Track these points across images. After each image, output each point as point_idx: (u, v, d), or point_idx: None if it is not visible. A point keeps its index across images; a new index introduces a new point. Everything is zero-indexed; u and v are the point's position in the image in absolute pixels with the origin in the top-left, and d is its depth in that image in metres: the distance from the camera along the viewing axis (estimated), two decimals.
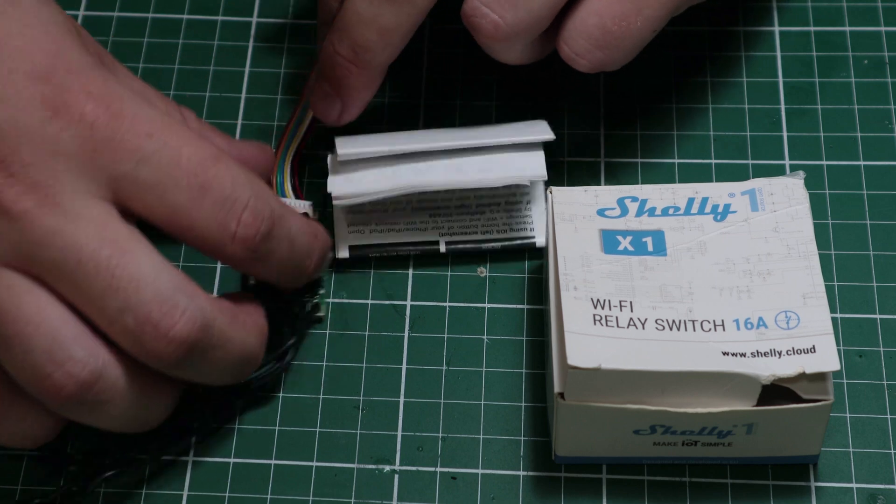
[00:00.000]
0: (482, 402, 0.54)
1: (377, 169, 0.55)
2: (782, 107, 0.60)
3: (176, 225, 0.48)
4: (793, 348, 0.48)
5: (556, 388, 0.49)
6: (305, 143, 0.57)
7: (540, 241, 0.56)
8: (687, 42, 0.61)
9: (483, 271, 0.56)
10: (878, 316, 0.55)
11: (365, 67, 0.53)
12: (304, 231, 0.51)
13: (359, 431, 0.53)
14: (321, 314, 0.55)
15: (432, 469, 0.52)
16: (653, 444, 0.50)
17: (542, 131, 0.55)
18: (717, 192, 0.52)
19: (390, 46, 0.53)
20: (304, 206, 0.55)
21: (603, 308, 0.49)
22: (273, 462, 0.53)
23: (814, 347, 0.48)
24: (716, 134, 0.59)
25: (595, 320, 0.49)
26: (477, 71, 0.61)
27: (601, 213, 0.52)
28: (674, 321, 0.49)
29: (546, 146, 0.56)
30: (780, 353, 0.48)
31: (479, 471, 0.52)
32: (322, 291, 0.55)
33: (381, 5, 0.52)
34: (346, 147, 0.54)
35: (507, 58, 0.53)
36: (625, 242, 0.51)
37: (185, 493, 0.52)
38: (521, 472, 0.52)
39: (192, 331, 0.46)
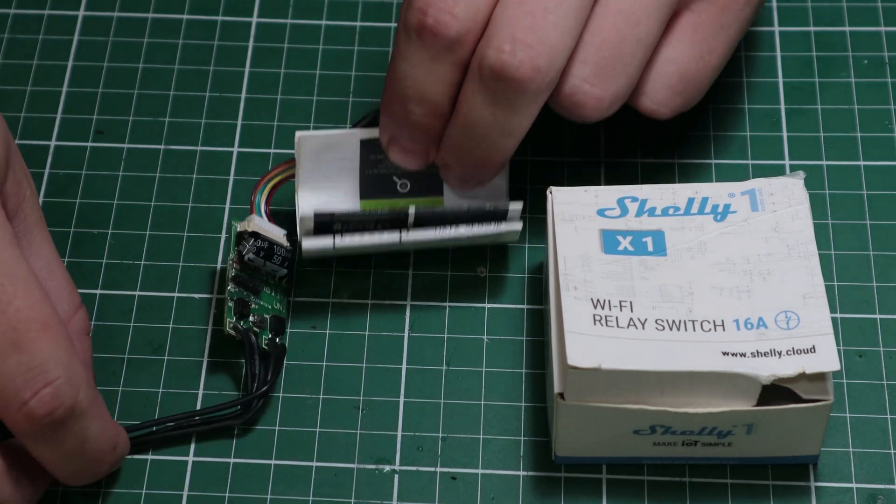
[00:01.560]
0: (482, 402, 0.54)
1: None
2: (782, 107, 0.60)
3: None
4: (793, 348, 0.48)
5: (556, 388, 0.49)
6: (288, 179, 0.56)
7: (511, 207, 0.54)
8: None
9: (483, 271, 0.56)
10: (878, 316, 0.55)
11: (499, 164, 0.53)
12: (103, 438, 0.49)
13: (359, 431, 0.53)
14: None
15: (432, 469, 0.52)
16: (653, 444, 0.50)
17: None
18: (717, 192, 0.52)
19: (516, 141, 0.52)
20: (279, 232, 0.55)
21: (603, 308, 0.49)
22: (273, 462, 0.53)
23: (814, 347, 0.48)
24: (716, 134, 0.59)
25: (595, 320, 0.49)
26: None
27: (601, 213, 0.52)
28: (674, 321, 0.49)
29: (546, 145, 0.56)
30: (780, 353, 0.48)
31: (479, 471, 0.52)
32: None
33: (504, 114, 0.51)
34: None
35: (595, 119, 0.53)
36: (625, 242, 0.51)
37: (185, 493, 0.52)
38: (521, 472, 0.52)
39: None
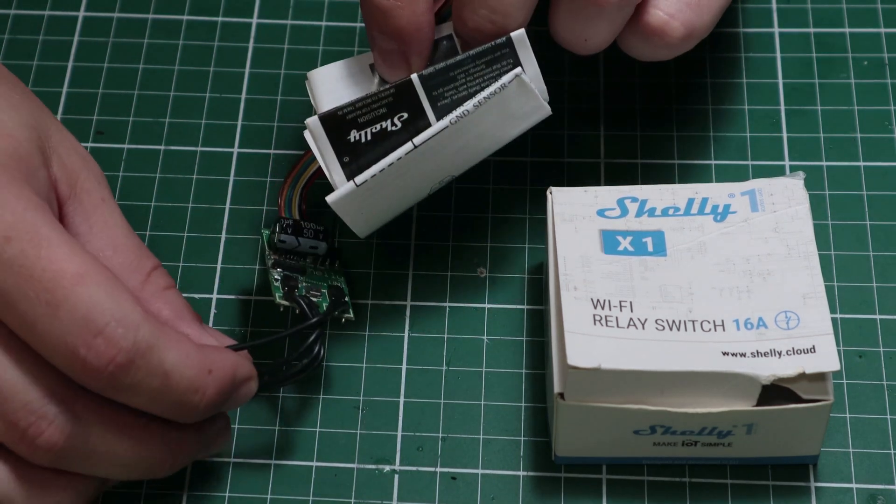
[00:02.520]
0: (482, 402, 0.54)
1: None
2: (782, 108, 0.60)
3: (27, 339, 0.45)
4: (793, 348, 0.48)
5: (556, 388, 0.49)
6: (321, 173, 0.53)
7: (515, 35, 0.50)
8: None
9: (483, 271, 0.56)
10: (877, 316, 0.55)
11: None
12: (188, 365, 0.47)
13: (359, 431, 0.53)
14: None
15: (432, 469, 0.52)
16: (653, 444, 0.50)
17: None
18: (716, 192, 0.52)
19: (528, 5, 0.50)
20: (311, 227, 0.54)
21: (603, 308, 0.49)
22: (273, 462, 0.53)
23: (814, 347, 0.48)
24: (716, 135, 0.59)
25: (595, 320, 0.49)
26: None
27: (601, 213, 0.52)
28: (674, 321, 0.49)
29: (546, 146, 0.56)
30: (779, 354, 0.48)
31: (479, 471, 0.52)
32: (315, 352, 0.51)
33: None
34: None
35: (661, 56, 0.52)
36: (625, 243, 0.51)
37: (185, 492, 0.52)
38: (521, 472, 0.52)
39: (58, 440, 0.46)
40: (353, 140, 0.50)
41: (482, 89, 0.50)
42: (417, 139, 0.50)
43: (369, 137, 0.50)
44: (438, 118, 0.50)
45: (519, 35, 0.50)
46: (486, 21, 0.50)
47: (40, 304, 0.45)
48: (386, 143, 0.50)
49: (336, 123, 0.50)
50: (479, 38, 0.51)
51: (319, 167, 0.52)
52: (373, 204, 0.52)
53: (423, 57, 0.51)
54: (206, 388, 0.48)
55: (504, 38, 0.50)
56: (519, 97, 0.50)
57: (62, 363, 0.45)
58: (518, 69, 0.50)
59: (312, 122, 0.50)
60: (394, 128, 0.50)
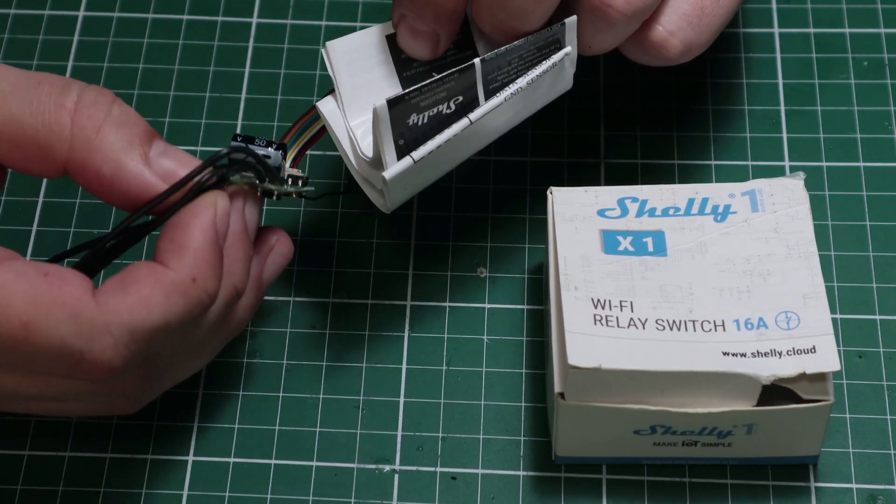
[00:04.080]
0: (482, 402, 0.54)
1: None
2: (782, 108, 0.60)
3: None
4: (793, 348, 0.48)
5: (557, 388, 0.49)
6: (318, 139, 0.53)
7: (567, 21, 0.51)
8: None
9: (483, 271, 0.57)
10: (877, 317, 0.55)
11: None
12: (173, 305, 0.46)
13: (359, 431, 0.53)
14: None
15: (432, 469, 0.52)
16: (653, 444, 0.50)
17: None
18: (717, 192, 0.52)
19: (546, 11, 0.50)
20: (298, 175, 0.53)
21: (603, 308, 0.49)
22: (273, 462, 0.53)
23: (814, 348, 0.48)
24: (716, 135, 0.59)
25: (595, 320, 0.49)
26: None
27: (601, 213, 0.52)
28: (674, 321, 0.49)
29: (546, 146, 0.56)
30: (780, 354, 0.48)
31: (479, 471, 0.52)
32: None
33: None
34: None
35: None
36: (625, 243, 0.51)
37: (185, 492, 0.52)
38: (521, 472, 0.52)
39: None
40: (411, 123, 0.50)
41: (528, 69, 0.51)
42: (473, 115, 0.50)
43: (426, 121, 0.50)
44: (487, 99, 0.51)
45: (571, 21, 0.51)
46: (506, 25, 0.50)
47: (15, 358, 0.45)
48: (439, 125, 0.51)
49: (400, 107, 0.50)
50: (497, 37, 0.51)
51: (322, 128, 0.52)
52: (415, 180, 0.52)
53: (452, 36, 0.52)
54: (206, 290, 0.47)
55: (560, 24, 0.51)
56: (559, 74, 0.52)
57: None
58: (568, 48, 0.51)
59: (380, 106, 0.49)
60: (448, 111, 0.51)
